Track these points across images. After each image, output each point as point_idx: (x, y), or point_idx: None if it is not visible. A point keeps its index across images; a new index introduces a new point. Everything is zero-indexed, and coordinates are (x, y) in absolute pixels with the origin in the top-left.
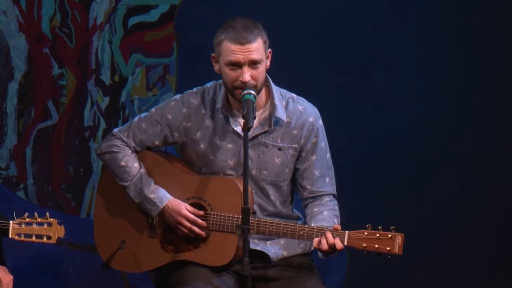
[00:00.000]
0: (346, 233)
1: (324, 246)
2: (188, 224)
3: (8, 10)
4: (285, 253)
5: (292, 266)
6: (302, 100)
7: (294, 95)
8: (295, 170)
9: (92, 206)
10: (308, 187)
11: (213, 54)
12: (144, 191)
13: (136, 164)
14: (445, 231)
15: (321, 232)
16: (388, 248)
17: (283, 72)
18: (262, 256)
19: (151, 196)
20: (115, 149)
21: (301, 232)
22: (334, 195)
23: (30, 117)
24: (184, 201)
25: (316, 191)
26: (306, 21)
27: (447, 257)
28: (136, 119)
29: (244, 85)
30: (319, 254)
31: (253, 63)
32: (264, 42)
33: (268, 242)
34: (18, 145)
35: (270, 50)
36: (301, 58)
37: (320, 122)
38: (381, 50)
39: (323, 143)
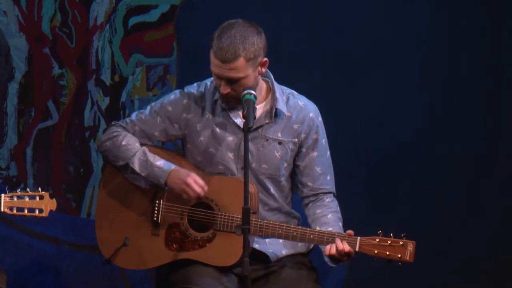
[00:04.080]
0: (358, 239)
1: (333, 250)
2: (195, 186)
3: (9, 10)
4: (284, 252)
5: (290, 265)
6: (302, 97)
7: (294, 92)
8: (295, 166)
9: (92, 206)
10: (309, 184)
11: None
12: (150, 160)
13: (137, 144)
14: (447, 232)
15: (331, 236)
16: (399, 256)
17: (283, 72)
18: (261, 256)
19: (158, 163)
20: (115, 133)
21: (311, 236)
22: (334, 194)
23: (31, 117)
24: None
25: (317, 188)
26: (307, 21)
27: (448, 258)
28: (136, 112)
29: (224, 96)
30: (328, 261)
31: (232, 81)
32: (248, 60)
33: (267, 240)
34: (18, 145)
35: (265, 59)
36: (301, 58)
37: (320, 119)
38: (382, 51)
39: (324, 140)
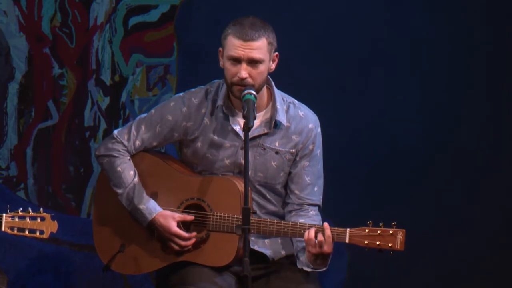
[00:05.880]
0: (348, 231)
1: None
2: (179, 242)
3: (9, 10)
4: (283, 252)
5: (290, 266)
6: (303, 106)
7: (296, 101)
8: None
9: (92, 206)
10: (296, 192)
11: (220, 48)
12: (134, 201)
13: (132, 172)
14: (445, 231)
15: (321, 229)
16: (390, 245)
17: (282, 73)
18: (261, 257)
19: (141, 207)
20: (115, 153)
21: (302, 231)
22: (319, 207)
23: (31, 117)
24: (183, 202)
25: (304, 197)
26: (307, 22)
27: (447, 257)
28: (135, 120)
29: (241, 82)
30: (306, 268)
31: (253, 62)
32: (269, 43)
33: (266, 241)
34: (18, 145)
35: (277, 53)
36: (301, 60)
37: (319, 129)
38: (382, 51)
39: (318, 151)
